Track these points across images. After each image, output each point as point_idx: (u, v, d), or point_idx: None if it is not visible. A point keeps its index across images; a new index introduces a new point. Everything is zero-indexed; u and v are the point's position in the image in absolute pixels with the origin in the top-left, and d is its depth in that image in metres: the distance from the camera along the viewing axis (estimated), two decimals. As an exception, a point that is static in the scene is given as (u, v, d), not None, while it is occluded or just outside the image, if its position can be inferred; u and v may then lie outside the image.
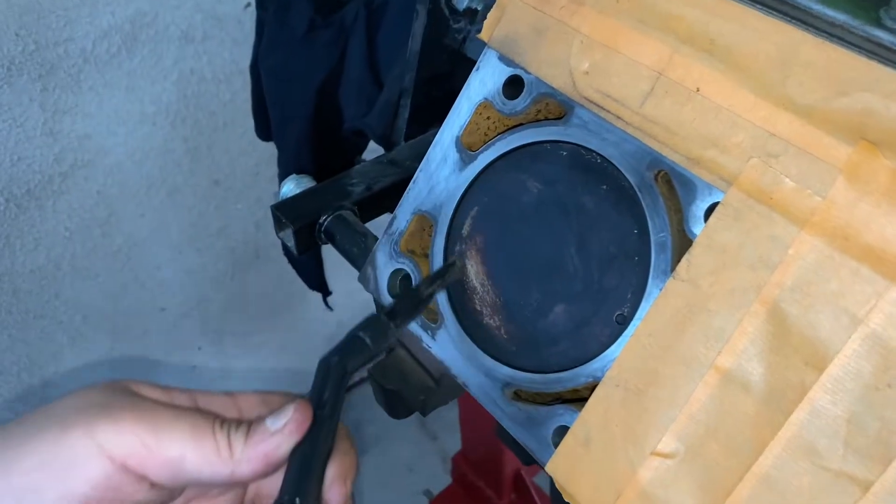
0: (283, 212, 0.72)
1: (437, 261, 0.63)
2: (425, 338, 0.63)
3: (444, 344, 0.62)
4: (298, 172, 1.01)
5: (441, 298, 0.62)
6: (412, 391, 0.64)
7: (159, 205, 1.34)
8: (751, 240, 0.48)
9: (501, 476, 1.59)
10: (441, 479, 1.94)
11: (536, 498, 1.59)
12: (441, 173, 0.64)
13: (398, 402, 0.79)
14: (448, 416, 2.11)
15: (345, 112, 0.91)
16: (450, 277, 0.59)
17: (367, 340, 0.48)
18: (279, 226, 0.74)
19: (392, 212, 0.66)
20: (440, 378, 0.63)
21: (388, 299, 0.66)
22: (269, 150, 1.43)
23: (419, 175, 0.65)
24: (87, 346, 1.45)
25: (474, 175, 0.62)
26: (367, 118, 0.79)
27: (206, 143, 1.33)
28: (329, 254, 1.24)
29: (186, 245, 1.43)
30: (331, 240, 0.73)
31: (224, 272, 1.54)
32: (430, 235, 0.67)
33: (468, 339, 0.61)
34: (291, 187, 0.76)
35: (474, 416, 1.58)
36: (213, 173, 1.37)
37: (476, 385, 0.60)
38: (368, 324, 0.50)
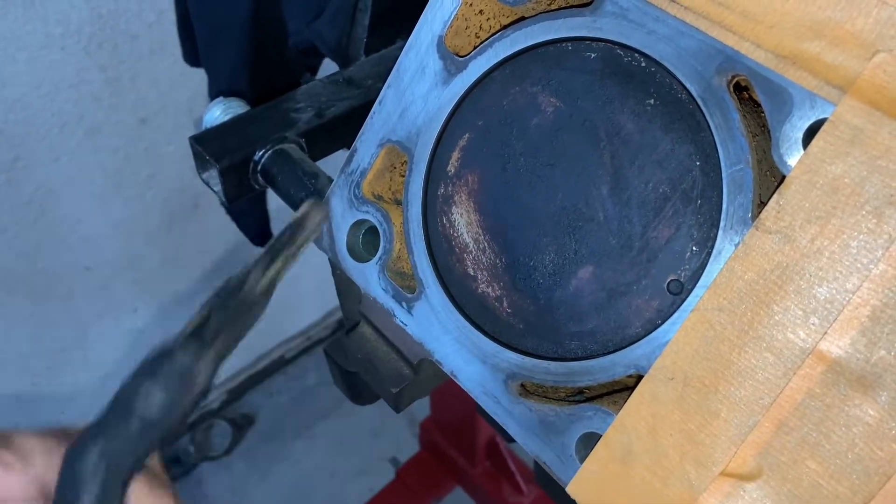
0: (206, 145, 0.54)
1: (415, 208, 0.47)
2: (399, 312, 0.47)
3: (425, 320, 0.46)
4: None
5: (420, 258, 0.46)
6: (382, 382, 0.48)
7: (76, 147, 1.15)
8: (876, 172, 0.33)
9: (474, 443, 1.46)
10: (408, 445, 1.81)
11: (512, 466, 1.47)
12: (417, 89, 0.47)
13: (363, 387, 0.64)
14: (414, 376, 1.99)
15: (289, 24, 0.72)
16: (301, 242, 0.40)
17: (149, 409, 0.31)
18: (201, 164, 0.56)
19: (349, 146, 0.49)
20: (419, 364, 0.47)
21: (348, 262, 0.50)
22: (205, 81, 1.24)
23: (387, 93, 0.48)
24: (2, 311, 1.26)
25: (464, 90, 0.45)
26: (317, 24, 0.61)
27: (128, 74, 1.13)
28: (276, 199, 1.06)
29: (112, 194, 1.24)
30: (270, 182, 0.56)
31: (158, 225, 1.35)
32: (404, 174, 0.50)
33: (457, 314, 0.45)
34: (217, 114, 0.59)
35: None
36: (138, 109, 1.18)
37: (469, 375, 0.44)
38: (149, 369, 0.32)
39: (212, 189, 0.57)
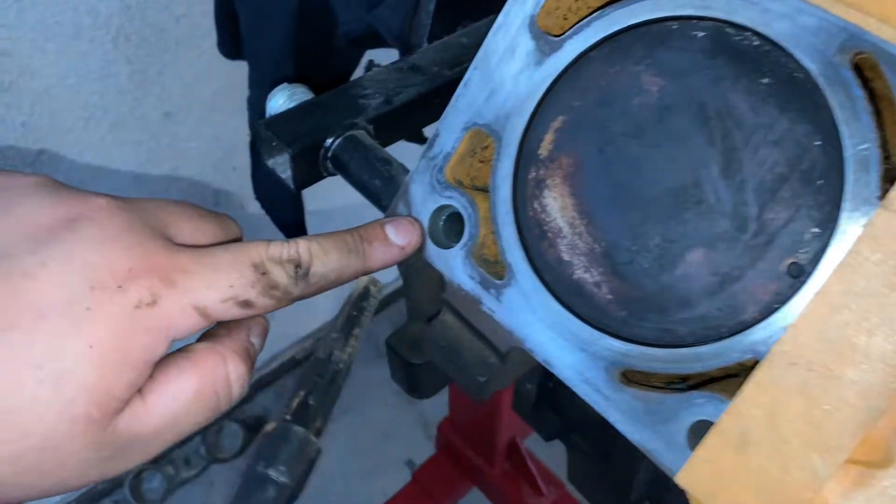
0: (276, 130, 0.53)
1: (503, 192, 0.45)
2: (486, 299, 0.46)
3: (515, 308, 0.45)
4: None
5: (510, 243, 0.45)
6: (467, 370, 0.47)
7: (99, 141, 1.13)
8: None
9: (494, 444, 1.45)
10: (422, 447, 1.79)
11: (532, 467, 1.46)
12: (506, 70, 0.46)
13: (425, 380, 0.62)
14: (425, 377, 1.97)
15: (341, 13, 0.71)
16: (370, 314, 0.45)
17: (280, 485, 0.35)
18: (269, 150, 0.55)
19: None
20: (508, 353, 0.46)
21: (430, 248, 0.48)
22: (230, 76, 1.22)
23: (473, 75, 0.47)
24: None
25: (559, 71, 0.44)
26: (380, 10, 0.60)
27: (155, 67, 1.11)
28: (311, 195, 1.05)
29: (133, 190, 1.22)
30: (340, 169, 0.54)
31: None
32: (483, 160, 0.49)
33: (552, 300, 0.44)
34: (281, 101, 0.57)
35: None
36: (163, 104, 1.16)
37: (566, 364, 0.43)
38: (269, 454, 0.37)
39: (279, 176, 0.56)
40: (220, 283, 0.39)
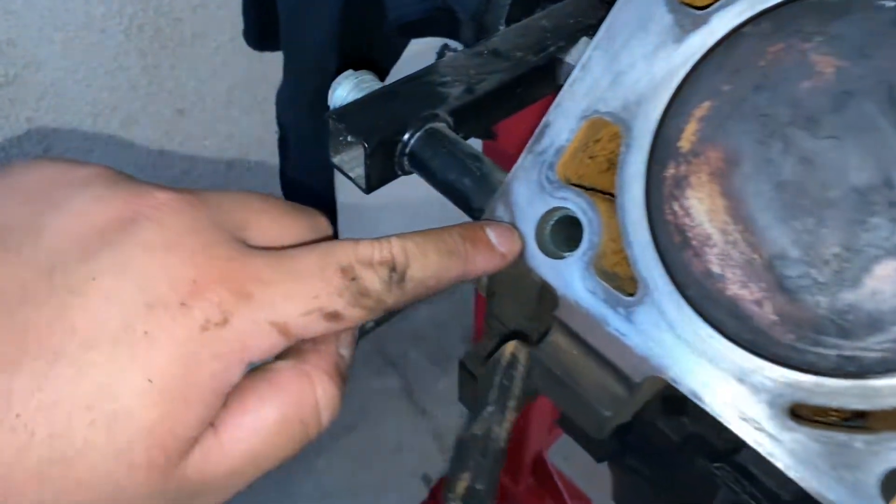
0: (349, 123, 0.46)
1: (634, 192, 0.39)
2: (613, 319, 0.39)
3: (651, 329, 0.38)
4: (318, 85, 0.74)
5: (643, 252, 0.38)
6: (585, 403, 0.40)
7: (109, 140, 1.05)
8: None
9: (520, 458, 1.38)
10: (436, 461, 1.72)
11: (559, 483, 1.39)
12: (637, 50, 0.39)
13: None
14: (437, 387, 1.89)
15: (388, -1, 0.64)
16: (522, 383, 0.40)
17: None
18: (340, 145, 0.48)
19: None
20: (639, 384, 0.39)
21: (538, 258, 0.42)
22: (247, 71, 1.14)
23: (593, 56, 0.40)
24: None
25: (704, 49, 0.37)
26: (455, -12, 0.53)
27: (168, 61, 1.03)
28: (346, 190, 0.98)
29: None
30: (418, 166, 0.47)
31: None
32: (595, 156, 0.42)
33: (700, 321, 0.37)
34: (348, 90, 0.50)
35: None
36: (176, 100, 1.08)
37: (720, 398, 0.36)
38: None
39: (346, 175, 0.49)
40: (302, 293, 0.32)
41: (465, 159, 0.46)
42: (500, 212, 0.43)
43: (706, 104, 0.37)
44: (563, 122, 0.41)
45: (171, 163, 1.14)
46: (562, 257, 0.41)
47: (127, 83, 1.01)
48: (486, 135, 0.62)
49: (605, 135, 0.43)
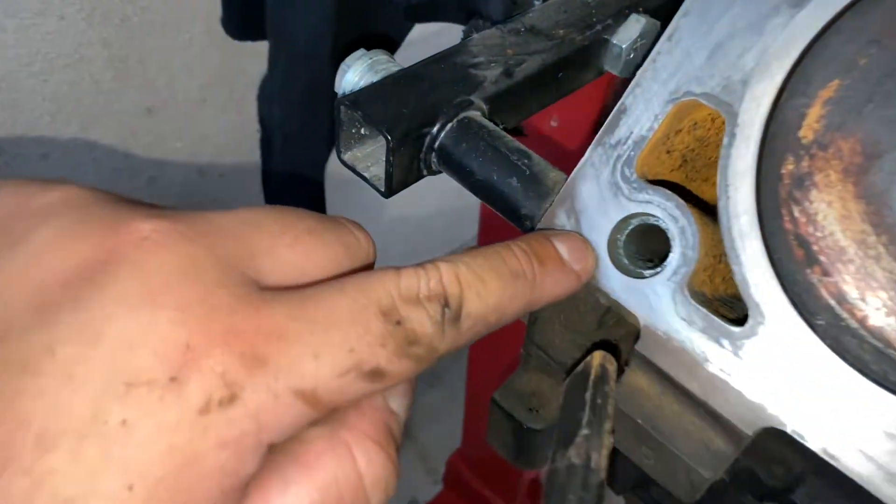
0: (367, 112, 0.37)
1: (741, 194, 0.31)
2: (716, 355, 0.31)
3: (766, 368, 0.30)
4: (310, 76, 0.66)
5: (755, 269, 0.30)
6: (675, 460, 0.32)
7: (69, 141, 0.95)
8: None
9: (516, 481, 1.29)
10: (423, 484, 1.63)
11: (558, 506, 1.31)
12: (740, 15, 0.31)
13: (543, 447, 0.47)
14: (423, 402, 1.79)
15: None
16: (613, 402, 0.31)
17: None
18: (349, 140, 0.39)
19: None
20: (749, 440, 0.31)
21: (613, 278, 0.33)
22: (222, 66, 1.05)
23: (682, 25, 0.32)
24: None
25: (832, 14, 0.30)
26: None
27: (136, 53, 0.94)
28: (334, 199, 0.88)
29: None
30: (452, 165, 0.39)
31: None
32: (674, 150, 0.34)
33: (838, 360, 0.29)
34: (357, 75, 0.41)
35: (483, 407, 1.27)
36: (145, 97, 0.99)
37: (863, 457, 0.28)
38: None
39: (360, 175, 0.40)
40: (334, 348, 0.25)
41: (511, 154, 0.37)
42: (562, 219, 0.35)
43: (835, 83, 0.29)
44: (646, 106, 0.33)
45: (137, 167, 1.04)
46: (642, 276, 0.33)
47: (89, 77, 0.91)
48: (516, 130, 0.53)
49: (688, 124, 0.35)
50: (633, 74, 0.49)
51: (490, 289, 0.29)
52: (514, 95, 0.42)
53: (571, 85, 0.45)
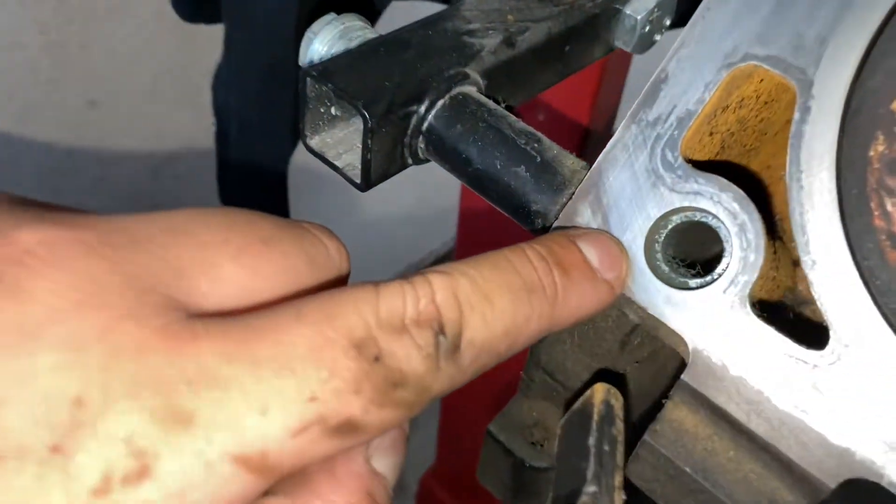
0: (337, 84, 0.30)
1: (821, 181, 0.24)
2: (788, 387, 0.24)
3: (854, 405, 0.24)
4: (271, 59, 0.58)
5: (838, 276, 0.24)
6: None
7: (2, 137, 0.86)
8: None
9: (496, 501, 1.22)
10: None
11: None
12: (817, -42, 0.24)
13: (544, 487, 0.40)
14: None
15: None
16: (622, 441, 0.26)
17: None
18: (315, 121, 0.32)
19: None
20: (831, 494, 0.24)
21: (652, 287, 0.27)
22: (176, 54, 0.96)
23: (738, -30, 0.26)
24: None
25: (939, -48, 0.23)
26: None
27: (77, 39, 0.85)
28: (301, 197, 0.81)
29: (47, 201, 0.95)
30: (444, 152, 0.32)
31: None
32: (717, 131, 0.28)
33: (953, 393, 0.22)
34: (326, 44, 0.34)
35: (459, 418, 1.21)
36: (88, 89, 0.90)
37: None
38: None
39: (330, 164, 0.33)
40: (287, 397, 0.19)
41: (517, 137, 0.31)
42: (585, 217, 0.28)
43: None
44: (694, 74, 0.26)
45: (80, 166, 0.95)
46: (688, 287, 0.26)
47: (25, 64, 0.82)
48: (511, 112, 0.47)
49: (735, 100, 0.28)
50: (644, 52, 0.43)
51: (499, 309, 0.22)
52: (516, 69, 0.35)
53: (579, 61, 0.39)
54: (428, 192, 1.16)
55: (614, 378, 0.30)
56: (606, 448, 0.24)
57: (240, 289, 0.20)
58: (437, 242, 1.52)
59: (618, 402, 0.25)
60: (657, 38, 0.40)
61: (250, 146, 0.64)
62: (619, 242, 0.27)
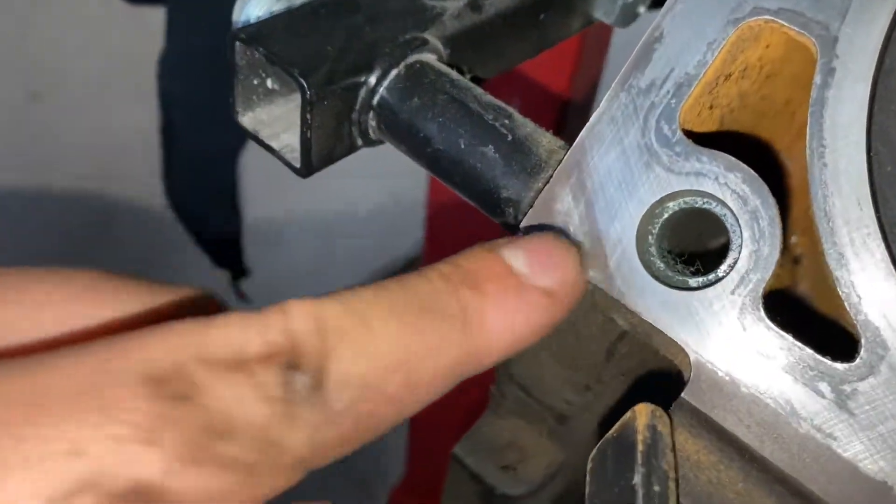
0: (271, 49, 0.25)
1: (848, 156, 0.20)
2: (811, 407, 0.20)
3: (892, 424, 0.19)
4: (218, 39, 0.53)
5: (871, 275, 0.20)
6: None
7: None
8: None
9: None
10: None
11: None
12: None
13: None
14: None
15: None
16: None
17: None
18: (248, 94, 0.28)
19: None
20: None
21: (648, 288, 0.22)
22: (126, 42, 0.90)
23: None
24: None
25: None
26: None
27: (17, 25, 0.80)
28: (253, 212, 0.76)
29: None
30: (399, 130, 0.27)
31: (51, 257, 1.00)
32: (717, 104, 0.24)
33: None
34: (262, 6, 0.30)
35: (429, 429, 1.16)
36: (29, 79, 0.84)
37: None
38: None
39: (265, 146, 0.28)
40: (40, 453, 0.14)
41: (484, 112, 0.26)
42: (566, 203, 0.23)
43: None
44: (693, 31, 0.22)
45: (21, 165, 0.89)
46: (688, 286, 0.22)
47: (-44, 54, 0.77)
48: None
49: (738, 67, 0.24)
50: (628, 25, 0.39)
51: (382, 337, 0.18)
52: (483, 37, 0.30)
53: (555, 33, 0.34)
54: (400, 183, 1.10)
55: (650, 395, 0.26)
56: (657, 489, 0.19)
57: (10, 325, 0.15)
58: (409, 243, 1.47)
59: (665, 428, 0.21)
60: (641, 9, 0.36)
61: (197, 137, 0.59)
62: (557, 237, 0.22)
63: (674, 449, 0.21)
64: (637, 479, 0.19)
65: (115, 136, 0.97)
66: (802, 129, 0.28)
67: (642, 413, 0.21)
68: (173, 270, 1.08)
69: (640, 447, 0.20)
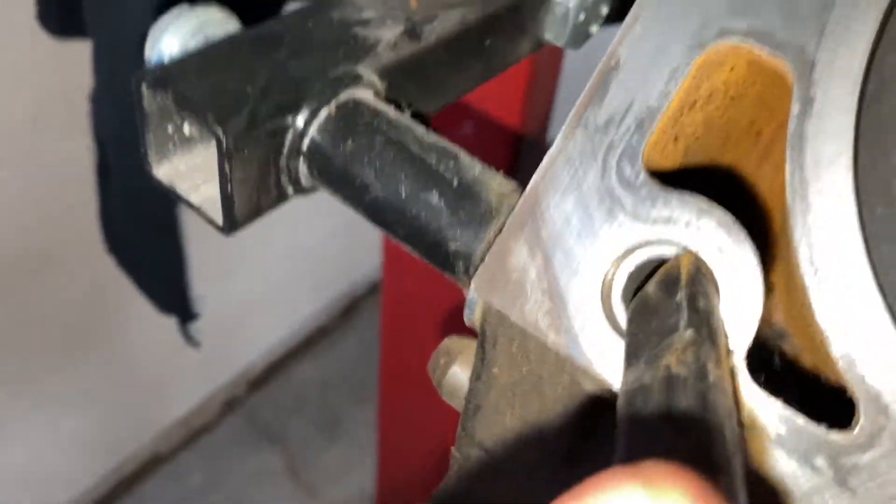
0: (181, 93, 0.22)
1: (832, 199, 0.18)
2: (805, 484, 0.18)
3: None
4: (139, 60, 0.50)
5: (868, 334, 0.17)
6: None
7: None
8: None
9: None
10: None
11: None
12: None
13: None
14: (325, 459, 1.62)
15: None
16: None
17: None
18: (161, 143, 0.24)
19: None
20: None
21: (608, 350, 0.20)
22: (64, 73, 0.86)
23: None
24: None
25: None
26: None
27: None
28: (200, 241, 0.72)
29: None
30: (332, 178, 0.24)
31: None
32: (681, 135, 0.22)
33: None
34: (177, 42, 0.26)
35: (398, 456, 1.12)
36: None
37: None
38: None
39: (183, 200, 0.25)
40: None
41: (425, 155, 0.23)
42: (521, 257, 0.21)
43: None
44: (654, 58, 0.19)
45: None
46: (663, 347, 0.19)
47: None
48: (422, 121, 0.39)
49: (704, 93, 0.22)
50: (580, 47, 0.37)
51: None
52: (424, 67, 0.28)
53: (503, 58, 0.32)
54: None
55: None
56: (701, 304, 0.17)
57: None
58: (371, 266, 1.44)
59: (708, 272, 0.18)
60: (593, 30, 0.34)
61: (133, 173, 0.55)
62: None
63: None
64: (680, 297, 0.17)
65: (49, 174, 0.93)
66: (768, 149, 0.26)
67: (686, 259, 0.18)
68: (118, 311, 1.04)
69: (683, 278, 0.17)
